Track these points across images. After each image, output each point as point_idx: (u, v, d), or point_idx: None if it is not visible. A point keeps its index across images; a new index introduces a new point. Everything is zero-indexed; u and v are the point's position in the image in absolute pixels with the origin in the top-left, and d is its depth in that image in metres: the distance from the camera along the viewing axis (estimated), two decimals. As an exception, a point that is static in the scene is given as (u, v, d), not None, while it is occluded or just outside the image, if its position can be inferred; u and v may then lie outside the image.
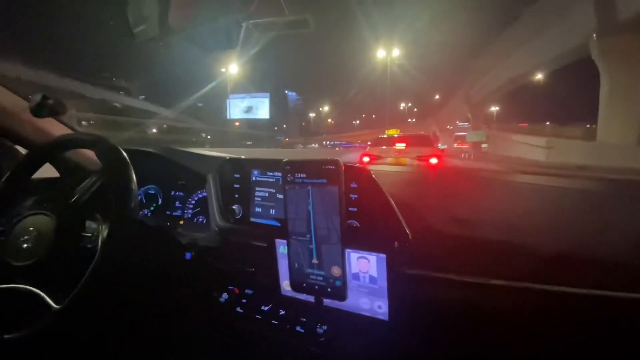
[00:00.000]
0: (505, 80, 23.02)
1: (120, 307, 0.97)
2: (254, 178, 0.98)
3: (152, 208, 1.23)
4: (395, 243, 0.74)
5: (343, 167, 0.65)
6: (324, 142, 52.62)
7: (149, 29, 0.80)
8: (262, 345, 0.92)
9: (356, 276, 0.78)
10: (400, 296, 0.75)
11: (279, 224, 0.92)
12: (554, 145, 14.73)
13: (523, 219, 0.91)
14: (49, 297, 0.70)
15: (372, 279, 0.77)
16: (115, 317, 1.00)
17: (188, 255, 1.00)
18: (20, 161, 0.87)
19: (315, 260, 0.68)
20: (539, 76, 23.33)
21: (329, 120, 70.20)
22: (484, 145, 24.30)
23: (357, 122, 76.35)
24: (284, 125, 66.20)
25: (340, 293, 0.67)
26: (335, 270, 0.67)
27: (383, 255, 0.75)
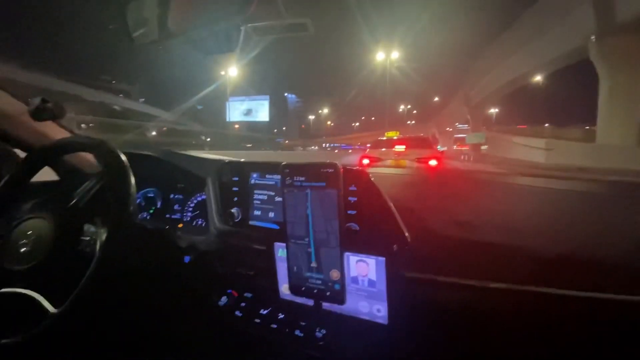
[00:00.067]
0: (504, 82, 23.10)
1: (119, 311, 0.97)
2: (252, 181, 0.98)
3: (151, 211, 1.22)
4: (394, 246, 0.74)
5: (342, 170, 0.65)
6: (324, 145, 52.69)
7: (149, 33, 0.80)
8: (261, 350, 0.92)
9: (355, 280, 0.78)
10: (399, 299, 0.75)
11: (278, 227, 0.92)
12: (553, 147, 14.77)
13: (523, 221, 0.91)
14: (47, 301, 0.70)
15: (371, 283, 0.76)
16: (113, 321, 0.99)
17: (187, 259, 1.00)
18: (19, 164, 0.87)
19: (314, 264, 0.68)
20: (538, 78, 23.41)
21: (329, 122, 70.32)
22: (483, 147, 24.36)
23: (357, 124, 76.54)
24: (284, 128, 66.34)
25: (339, 297, 0.67)
26: (334, 274, 0.67)
27: (382, 259, 0.74)
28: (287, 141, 54.44)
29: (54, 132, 1.08)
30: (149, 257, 0.95)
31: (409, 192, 1.19)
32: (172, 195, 1.21)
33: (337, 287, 0.67)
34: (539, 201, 1.10)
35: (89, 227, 0.80)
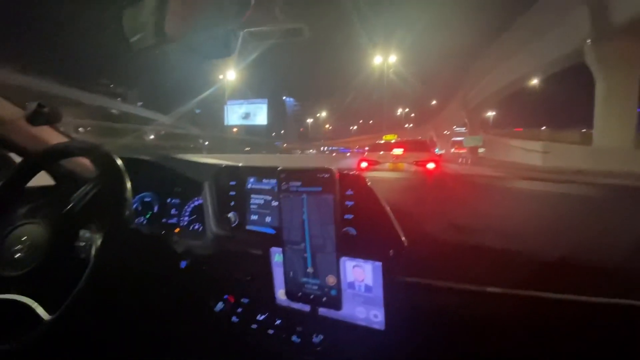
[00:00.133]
0: (501, 85, 23.21)
1: (114, 317, 0.96)
2: (249, 185, 0.98)
3: (148, 215, 1.22)
4: (391, 251, 0.74)
5: (337, 175, 0.65)
6: (322, 148, 52.74)
7: (146, 38, 0.80)
8: (259, 356, 0.91)
9: (352, 285, 0.78)
10: (396, 305, 0.75)
11: (274, 232, 0.92)
12: (550, 149, 14.83)
13: (520, 225, 0.91)
14: (42, 308, 0.69)
15: (368, 288, 0.76)
16: (108, 328, 0.98)
17: (183, 264, 0.99)
18: (14, 169, 0.87)
19: (310, 269, 0.68)
20: (535, 81, 23.54)
21: (327, 126, 70.42)
22: (481, 150, 24.43)
23: (355, 127, 76.67)
24: (282, 131, 66.37)
25: (335, 302, 0.67)
26: (331, 279, 0.66)
27: (378, 264, 0.74)
28: (285, 144, 54.51)
29: (50, 136, 1.08)
30: (145, 263, 0.94)
31: (407, 196, 1.19)
32: (169, 200, 1.20)
33: (333, 292, 0.67)
34: (537, 205, 1.10)
35: (84, 233, 0.79)
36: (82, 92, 23.00)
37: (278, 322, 0.90)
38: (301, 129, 70.30)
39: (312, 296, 0.69)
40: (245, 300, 0.96)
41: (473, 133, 29.00)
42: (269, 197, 0.94)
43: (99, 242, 0.74)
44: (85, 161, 1.10)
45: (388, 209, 0.78)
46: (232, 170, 1.02)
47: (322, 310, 0.73)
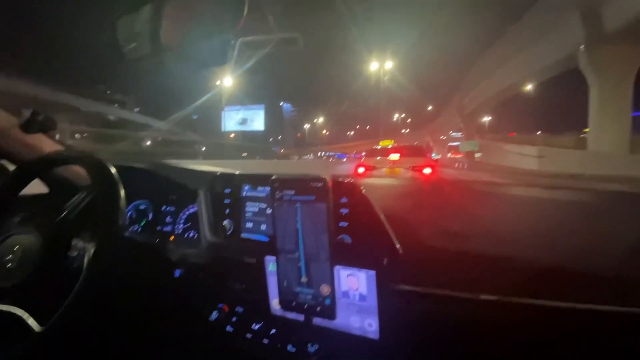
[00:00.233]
0: (496, 90, 23.45)
1: (107, 328, 0.95)
2: (244, 193, 0.98)
3: (142, 223, 1.21)
4: (385, 260, 0.74)
5: (331, 184, 0.65)
6: (319, 153, 52.83)
7: (141, 48, 0.81)
8: None
9: (346, 294, 0.77)
10: (390, 314, 0.74)
11: (269, 240, 0.91)
12: (545, 154, 14.94)
13: (516, 231, 0.91)
14: (33, 319, 0.68)
15: (362, 297, 0.76)
16: (101, 338, 0.97)
17: (177, 273, 0.98)
18: (8, 177, 0.86)
19: (304, 279, 0.67)
20: (530, 86, 23.79)
21: (324, 131, 70.68)
22: (477, 155, 24.57)
23: (352, 133, 77.02)
24: (279, 137, 66.50)
25: (329, 312, 0.66)
26: (325, 289, 0.66)
27: (372, 272, 0.74)
28: (282, 150, 54.60)
29: (45, 144, 1.08)
30: (139, 272, 0.94)
31: (403, 202, 1.20)
32: (163, 208, 1.20)
33: (327, 302, 0.66)
34: (533, 211, 1.10)
35: (77, 242, 0.79)
36: (79, 98, 22.95)
37: (273, 331, 0.89)
38: (298, 135, 70.49)
39: (306, 306, 0.68)
40: (239, 310, 0.95)
41: (469, 138, 29.19)
42: (264, 205, 0.94)
43: (91, 251, 0.73)
44: (79, 169, 1.10)
45: (383, 216, 0.78)
46: (227, 178, 1.02)
47: (316, 320, 0.72)
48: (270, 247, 0.81)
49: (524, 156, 16.20)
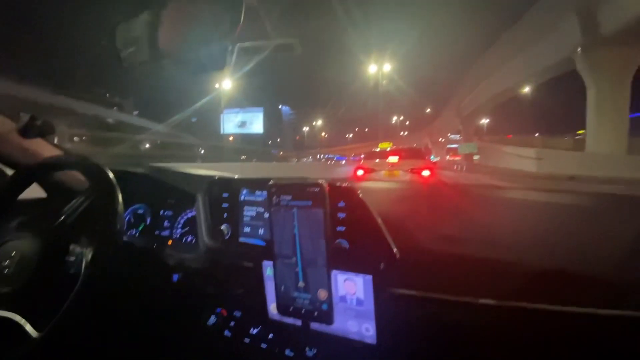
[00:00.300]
0: (494, 93, 23.50)
1: (104, 333, 0.95)
2: (242, 197, 0.98)
3: (140, 228, 1.21)
4: (381, 265, 0.74)
5: (328, 188, 0.65)
6: (318, 156, 52.85)
7: (138, 54, 0.81)
8: None
9: (343, 298, 0.77)
10: (387, 318, 0.74)
11: (266, 245, 0.91)
12: (543, 156, 14.97)
13: (514, 235, 0.91)
14: (30, 325, 0.68)
15: (359, 301, 0.76)
16: (98, 343, 0.97)
17: (175, 277, 0.98)
18: (6, 182, 0.86)
19: (301, 284, 0.67)
20: (528, 89, 23.86)
21: (323, 133, 70.66)
22: (476, 157, 24.61)
23: (351, 135, 77.11)
24: (278, 140, 66.54)
25: (326, 317, 0.66)
26: (322, 294, 0.66)
27: (369, 277, 0.74)
28: (282, 152, 54.62)
29: (43, 149, 1.08)
30: (137, 277, 0.94)
31: (401, 206, 1.20)
32: (161, 212, 1.20)
33: (325, 307, 0.66)
34: (531, 214, 1.10)
35: (74, 247, 0.79)
36: (77, 101, 22.91)
37: (271, 336, 0.89)
38: (297, 137, 70.50)
39: (303, 311, 0.68)
40: (237, 314, 0.95)
41: (467, 140, 29.24)
42: (261, 209, 0.94)
43: (89, 256, 0.73)
44: (77, 173, 1.10)
45: (380, 220, 0.79)
46: (225, 182, 1.02)
47: (314, 324, 0.72)
48: (268, 251, 0.81)
49: (523, 158, 16.22)
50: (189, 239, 1.12)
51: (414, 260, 0.78)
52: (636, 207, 1.12)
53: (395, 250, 0.76)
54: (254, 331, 0.91)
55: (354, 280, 0.75)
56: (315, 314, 0.67)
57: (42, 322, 0.67)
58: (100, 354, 1.01)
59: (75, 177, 1.12)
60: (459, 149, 27.08)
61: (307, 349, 0.83)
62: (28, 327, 0.68)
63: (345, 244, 0.79)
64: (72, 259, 0.77)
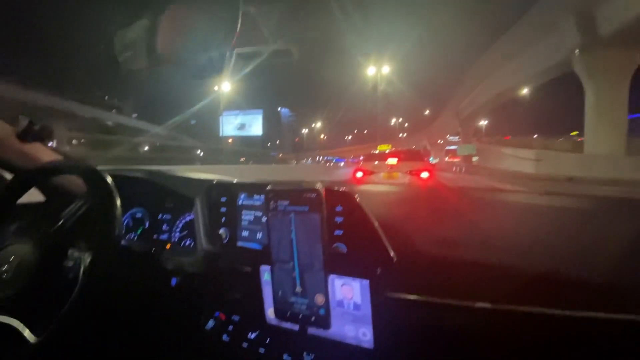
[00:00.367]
0: (493, 94, 23.58)
1: (103, 338, 0.95)
2: (240, 202, 0.98)
3: (139, 232, 1.21)
4: (378, 269, 0.74)
5: (325, 193, 0.65)
6: (317, 158, 52.89)
7: (138, 58, 0.82)
8: None
9: (340, 303, 0.77)
10: (384, 322, 0.74)
11: (263, 250, 0.91)
12: (543, 157, 15.00)
13: (513, 238, 0.91)
14: (28, 330, 0.68)
15: (357, 306, 0.76)
16: (97, 348, 0.97)
17: (174, 281, 0.98)
18: (4, 187, 0.86)
19: (298, 288, 0.68)
20: (526, 90, 23.94)
21: (322, 136, 70.71)
22: (474, 159, 24.64)
23: (350, 137, 77.31)
24: (277, 142, 66.58)
25: (324, 322, 0.67)
26: (319, 299, 0.66)
27: (366, 281, 0.74)
28: (281, 155, 54.64)
29: (41, 153, 1.08)
30: (135, 281, 0.94)
31: (399, 209, 1.20)
32: (160, 216, 1.20)
33: (322, 312, 0.66)
34: (530, 218, 1.10)
35: (72, 252, 0.79)
36: (76, 104, 22.90)
37: (269, 340, 0.89)
38: (296, 139, 70.52)
39: (300, 315, 0.68)
40: (236, 318, 0.95)
41: (466, 141, 29.31)
42: (259, 213, 0.94)
43: (87, 261, 0.73)
44: (76, 177, 1.10)
45: (377, 224, 0.79)
46: (223, 186, 1.03)
47: (311, 329, 0.72)
48: (265, 256, 0.81)
49: (522, 159, 16.25)
50: (188, 243, 1.12)
51: (411, 263, 0.78)
52: (635, 210, 1.12)
53: (392, 254, 0.76)
54: (251, 336, 0.91)
55: (351, 284, 0.75)
56: (313, 318, 0.67)
57: (41, 327, 0.67)
58: (99, 358, 1.01)
59: (74, 181, 1.12)
60: (458, 150, 27.13)
61: (304, 353, 0.83)
62: (26, 332, 0.68)
63: (342, 247, 0.79)
64: (71, 263, 0.77)
